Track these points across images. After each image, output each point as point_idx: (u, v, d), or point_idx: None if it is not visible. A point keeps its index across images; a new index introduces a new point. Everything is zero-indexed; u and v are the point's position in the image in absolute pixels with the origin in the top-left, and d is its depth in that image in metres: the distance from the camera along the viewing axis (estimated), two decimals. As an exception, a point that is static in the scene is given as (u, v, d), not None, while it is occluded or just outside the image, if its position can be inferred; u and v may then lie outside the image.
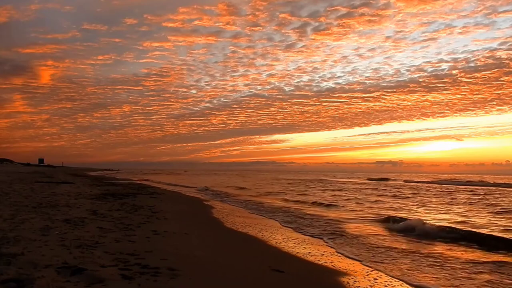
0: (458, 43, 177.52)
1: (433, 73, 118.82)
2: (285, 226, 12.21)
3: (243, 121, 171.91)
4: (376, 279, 6.31)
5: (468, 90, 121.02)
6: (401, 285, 6.11)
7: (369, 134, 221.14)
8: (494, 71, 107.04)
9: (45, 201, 13.11)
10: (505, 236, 10.20)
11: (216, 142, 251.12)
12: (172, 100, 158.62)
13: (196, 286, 4.79)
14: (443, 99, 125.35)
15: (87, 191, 19.94)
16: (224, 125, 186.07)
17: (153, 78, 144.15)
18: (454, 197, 25.26)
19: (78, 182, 30.38)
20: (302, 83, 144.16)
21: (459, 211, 16.97)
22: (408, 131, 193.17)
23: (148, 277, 4.84)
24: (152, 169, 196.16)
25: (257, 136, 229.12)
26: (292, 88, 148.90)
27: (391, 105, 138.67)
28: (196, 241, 8.26)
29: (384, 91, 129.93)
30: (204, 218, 13.15)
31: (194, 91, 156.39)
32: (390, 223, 12.71)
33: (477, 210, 17.35)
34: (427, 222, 12.23)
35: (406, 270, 6.96)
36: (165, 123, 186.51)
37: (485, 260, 7.89)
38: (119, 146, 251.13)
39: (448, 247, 9.25)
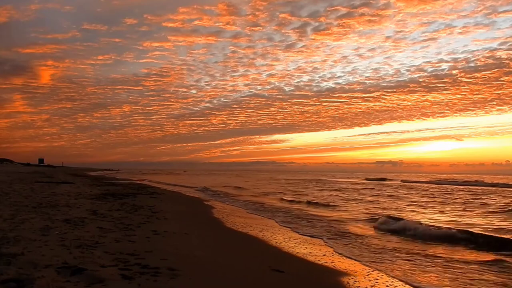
0: (458, 43, 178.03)
1: (433, 73, 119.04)
2: (284, 226, 12.21)
3: (243, 121, 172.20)
4: (377, 279, 6.30)
5: (468, 90, 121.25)
6: (403, 285, 6.10)
7: (369, 134, 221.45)
8: (494, 71, 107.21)
9: (45, 201, 13.10)
10: (503, 236, 10.20)
11: (216, 142, 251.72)
12: (172, 100, 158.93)
13: (196, 286, 4.79)
14: (443, 99, 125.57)
15: (87, 191, 19.94)
16: (224, 125, 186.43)
17: (153, 78, 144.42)
18: (450, 197, 25.24)
19: (78, 182, 30.39)
20: (302, 83, 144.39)
21: (454, 211, 17.00)
22: (408, 131, 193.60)
23: (148, 277, 4.83)
24: (152, 169, 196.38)
25: (257, 136, 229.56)
26: (292, 88, 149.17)
27: (391, 105, 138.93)
28: (196, 241, 8.26)
29: (384, 91, 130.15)
30: (204, 218, 13.15)
31: (194, 91, 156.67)
32: (387, 223, 12.68)
33: (472, 210, 17.38)
34: (423, 223, 12.20)
35: (406, 271, 6.96)
36: (165, 123, 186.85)
37: (486, 260, 7.87)
38: (119, 146, 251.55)
39: (446, 248, 9.24)
